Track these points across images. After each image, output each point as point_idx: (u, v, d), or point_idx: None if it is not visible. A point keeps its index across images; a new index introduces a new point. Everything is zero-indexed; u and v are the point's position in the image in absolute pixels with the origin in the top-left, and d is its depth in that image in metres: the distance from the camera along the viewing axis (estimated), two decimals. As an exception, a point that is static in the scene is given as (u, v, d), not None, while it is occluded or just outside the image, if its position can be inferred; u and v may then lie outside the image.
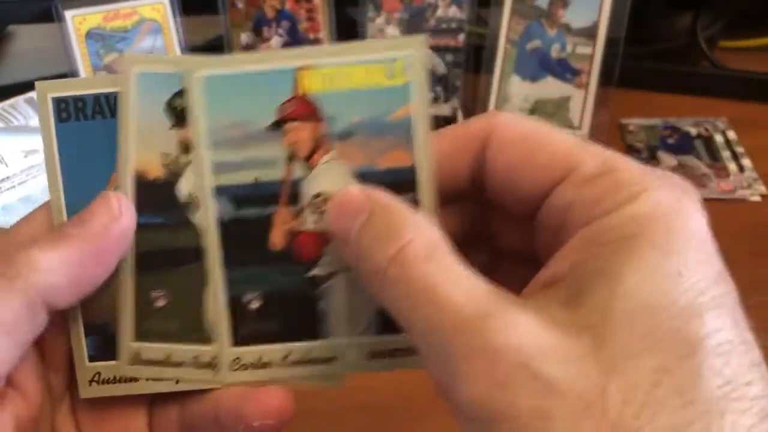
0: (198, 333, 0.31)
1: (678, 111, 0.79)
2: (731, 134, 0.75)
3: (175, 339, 0.31)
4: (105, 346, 0.32)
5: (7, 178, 0.67)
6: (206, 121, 0.30)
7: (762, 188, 0.68)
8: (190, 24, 0.75)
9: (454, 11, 0.75)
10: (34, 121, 0.71)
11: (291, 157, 0.30)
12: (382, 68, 0.30)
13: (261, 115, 0.30)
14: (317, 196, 0.30)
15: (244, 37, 0.76)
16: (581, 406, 0.21)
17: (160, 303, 0.31)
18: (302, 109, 0.30)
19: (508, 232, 0.31)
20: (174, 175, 0.30)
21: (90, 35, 0.73)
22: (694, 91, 0.81)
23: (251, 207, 0.30)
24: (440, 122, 0.59)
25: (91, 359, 0.32)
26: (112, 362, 0.32)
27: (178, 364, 0.31)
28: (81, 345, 0.31)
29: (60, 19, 0.72)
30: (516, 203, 0.29)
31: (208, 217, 0.30)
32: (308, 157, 0.30)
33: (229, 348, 0.31)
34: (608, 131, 0.73)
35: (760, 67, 0.81)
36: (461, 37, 0.75)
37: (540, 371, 0.21)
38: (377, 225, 0.26)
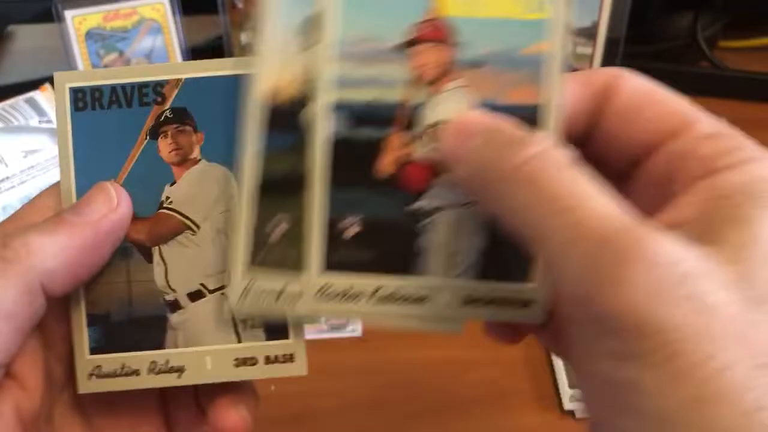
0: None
1: (678, 111, 0.78)
2: (731, 134, 0.75)
3: (295, 267, 0.30)
4: (107, 337, 0.31)
5: (7, 178, 0.67)
6: (337, 33, 0.29)
7: (762, 188, 0.68)
8: (190, 24, 0.75)
9: (454, 11, 0.75)
10: (34, 121, 0.71)
11: (416, 80, 0.29)
12: (524, 1, 0.29)
13: (393, 32, 0.29)
14: (436, 124, 0.29)
15: (244, 37, 0.76)
16: (736, 332, 0.21)
17: (281, 229, 0.30)
18: (436, 31, 0.29)
19: None
20: (307, 96, 0.30)
21: (90, 35, 0.73)
22: (694, 91, 0.80)
23: (366, 127, 0.29)
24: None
25: (93, 351, 0.31)
26: (114, 355, 0.31)
27: (299, 295, 0.30)
28: (82, 336, 0.31)
29: (60, 19, 0.72)
30: (623, 153, 0.28)
31: (320, 131, 0.29)
32: (433, 82, 0.29)
33: (320, 273, 0.29)
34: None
35: (760, 67, 0.81)
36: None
37: (698, 288, 0.21)
38: (502, 138, 0.25)
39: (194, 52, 0.75)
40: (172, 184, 0.31)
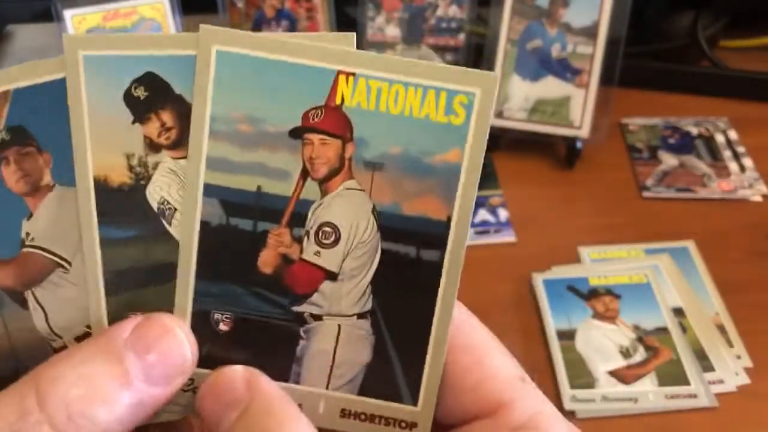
0: None
1: (679, 110, 0.78)
2: (732, 134, 0.75)
3: None
4: None
5: (7, 177, 0.67)
6: (211, 105, 0.25)
7: (763, 188, 0.68)
8: (189, 23, 0.75)
9: (454, 11, 0.74)
10: (34, 121, 0.71)
11: (305, 173, 0.25)
12: (442, 99, 0.25)
13: (282, 115, 0.25)
14: (326, 225, 0.26)
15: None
16: None
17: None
18: (333, 121, 0.25)
19: None
20: (142, 179, 0.26)
21: (89, 35, 0.73)
22: (695, 90, 0.80)
23: (245, 217, 0.26)
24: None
25: None
26: None
27: None
28: None
29: (59, 18, 0.72)
30: (443, 407, 0.27)
31: (191, 215, 0.26)
32: (325, 179, 0.26)
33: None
34: (609, 131, 0.73)
35: (760, 66, 0.81)
36: (461, 36, 0.75)
37: None
38: (253, 427, 0.24)
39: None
40: (29, 218, 0.27)
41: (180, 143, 0.26)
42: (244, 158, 0.25)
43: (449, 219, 0.25)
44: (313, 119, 0.25)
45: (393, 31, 0.75)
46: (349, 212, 0.26)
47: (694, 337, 0.55)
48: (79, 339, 0.27)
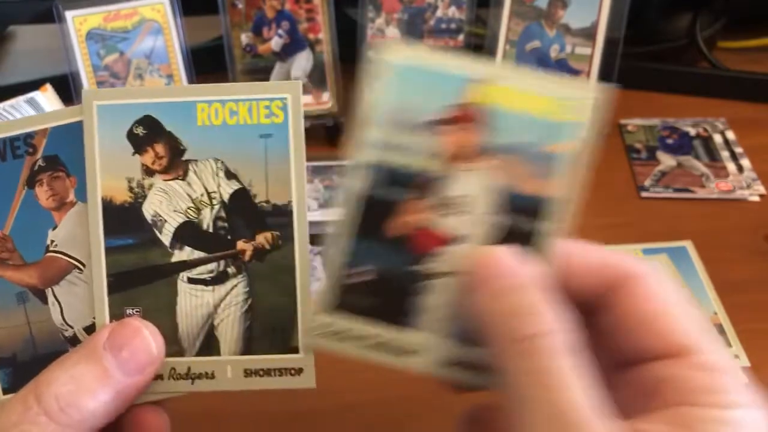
0: (174, 345, 0.33)
1: (677, 111, 0.79)
2: (730, 134, 0.75)
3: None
4: (16, 377, 0.33)
5: (8, 178, 0.67)
6: (379, 102, 0.32)
7: (761, 188, 0.68)
8: (190, 24, 0.75)
9: (453, 12, 0.75)
10: (35, 122, 0.71)
11: (443, 155, 0.32)
12: (557, 102, 0.31)
13: (430, 108, 0.31)
14: (457, 197, 0.32)
15: (244, 38, 0.76)
16: None
17: None
18: (468, 115, 0.31)
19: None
20: (139, 198, 0.33)
21: (90, 36, 0.73)
22: (694, 91, 0.81)
23: (393, 188, 0.32)
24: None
25: (5, 392, 0.33)
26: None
27: (159, 377, 0.32)
28: None
29: (60, 19, 0.72)
30: (621, 351, 0.30)
31: (353, 185, 0.32)
32: (458, 160, 0.32)
33: (328, 313, 0.32)
34: (607, 131, 0.73)
35: (759, 67, 0.81)
36: (461, 37, 0.75)
37: None
38: (524, 298, 0.28)
39: (194, 53, 0.75)
40: (54, 228, 0.33)
41: (169, 168, 0.33)
42: (399, 141, 0.32)
43: (555, 196, 0.31)
44: (456, 112, 0.31)
45: (393, 32, 0.75)
46: (476, 188, 0.31)
47: (692, 337, 0.55)
48: (87, 329, 0.33)
